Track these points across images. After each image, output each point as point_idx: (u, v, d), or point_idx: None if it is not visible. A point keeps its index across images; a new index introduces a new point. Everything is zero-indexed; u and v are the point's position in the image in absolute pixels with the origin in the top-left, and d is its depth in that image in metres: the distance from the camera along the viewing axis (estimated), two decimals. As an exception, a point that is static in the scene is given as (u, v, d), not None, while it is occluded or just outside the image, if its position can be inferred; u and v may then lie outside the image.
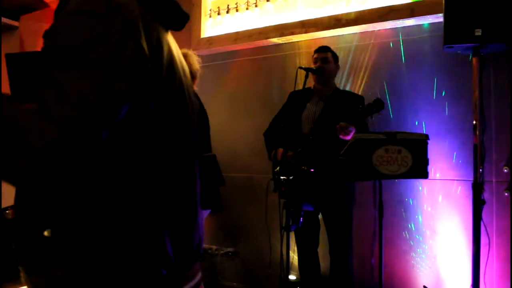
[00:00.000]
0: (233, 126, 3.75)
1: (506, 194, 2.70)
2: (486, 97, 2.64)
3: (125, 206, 0.81)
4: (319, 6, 3.37)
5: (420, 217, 2.98)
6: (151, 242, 0.83)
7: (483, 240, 2.48)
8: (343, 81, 3.27)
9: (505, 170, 2.72)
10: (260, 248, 3.44)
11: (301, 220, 2.54)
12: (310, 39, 3.46)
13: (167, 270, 0.85)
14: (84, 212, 0.79)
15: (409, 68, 3.07)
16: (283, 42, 3.59)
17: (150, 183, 0.84)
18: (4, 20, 3.33)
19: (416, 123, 3.00)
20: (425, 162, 2.42)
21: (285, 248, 2.71)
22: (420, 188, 2.98)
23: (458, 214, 2.83)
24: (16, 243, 0.84)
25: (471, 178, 2.51)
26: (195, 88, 2.85)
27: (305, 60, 3.43)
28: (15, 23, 3.44)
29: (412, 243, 2.99)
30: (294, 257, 3.09)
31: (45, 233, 0.79)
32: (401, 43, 3.10)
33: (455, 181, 2.86)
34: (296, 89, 2.94)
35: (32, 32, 3.40)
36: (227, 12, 3.85)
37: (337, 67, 3.01)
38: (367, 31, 3.23)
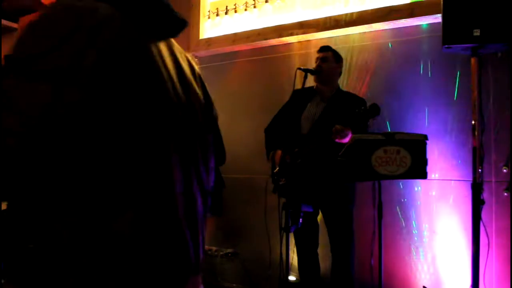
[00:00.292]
0: (232, 127, 3.73)
1: (505, 194, 2.69)
2: (485, 97, 2.65)
3: (101, 219, 0.78)
4: (318, 7, 3.38)
5: (419, 217, 2.98)
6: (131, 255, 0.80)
7: (483, 240, 2.47)
8: (343, 82, 3.26)
9: (504, 170, 2.72)
10: (259, 249, 3.43)
11: (301, 221, 2.54)
12: (309, 40, 3.46)
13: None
14: (61, 224, 0.77)
15: (407, 68, 3.07)
16: (282, 43, 3.59)
17: (125, 196, 0.80)
18: (3, 22, 3.32)
19: (415, 123, 2.99)
20: (424, 162, 2.43)
21: (284, 249, 2.70)
22: (419, 188, 2.98)
23: (457, 214, 2.83)
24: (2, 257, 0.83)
25: (470, 178, 2.52)
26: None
27: (304, 61, 3.43)
28: (14, 25, 3.44)
29: (411, 244, 2.99)
30: (293, 258, 3.08)
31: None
32: (400, 44, 3.10)
33: (454, 181, 2.86)
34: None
35: (31, 34, 3.39)
36: (226, 13, 3.85)
37: (338, 67, 2.97)
38: (366, 32, 3.23)
